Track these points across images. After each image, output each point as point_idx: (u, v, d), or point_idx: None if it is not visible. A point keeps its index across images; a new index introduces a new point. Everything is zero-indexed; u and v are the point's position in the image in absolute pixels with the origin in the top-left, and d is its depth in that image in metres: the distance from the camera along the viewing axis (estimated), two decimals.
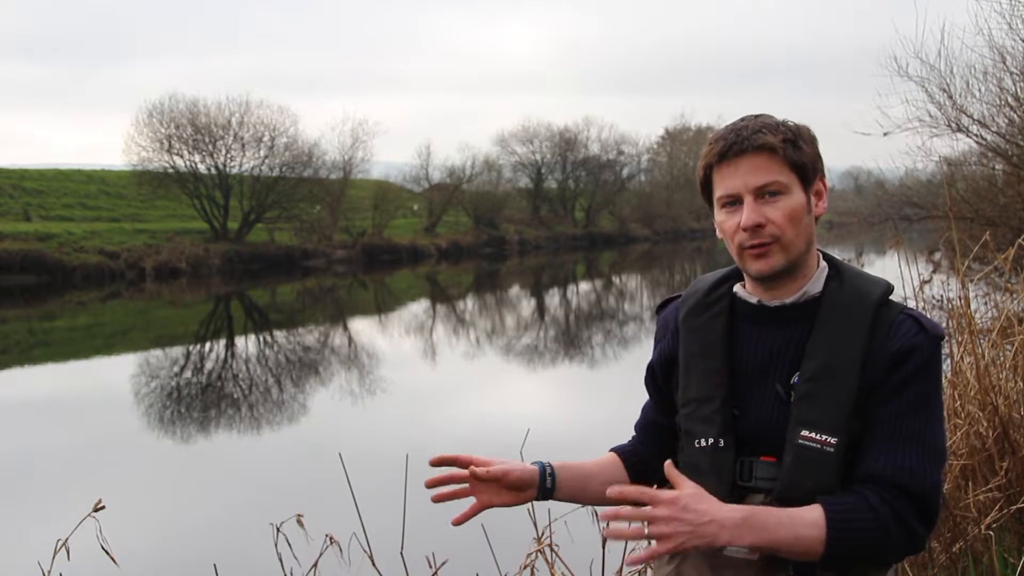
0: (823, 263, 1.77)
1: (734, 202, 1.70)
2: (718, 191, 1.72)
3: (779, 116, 1.76)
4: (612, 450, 2.01)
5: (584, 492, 1.91)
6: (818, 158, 1.73)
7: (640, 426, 2.01)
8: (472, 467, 1.78)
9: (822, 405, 1.66)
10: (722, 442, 1.72)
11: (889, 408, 1.65)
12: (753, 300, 1.77)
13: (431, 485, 1.80)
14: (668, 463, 1.65)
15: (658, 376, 1.91)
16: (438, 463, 1.80)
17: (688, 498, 1.57)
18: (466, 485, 1.81)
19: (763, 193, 1.68)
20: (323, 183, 39.44)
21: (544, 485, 1.83)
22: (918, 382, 1.65)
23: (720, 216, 1.73)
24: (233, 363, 17.09)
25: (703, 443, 1.74)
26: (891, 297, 1.75)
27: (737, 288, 1.82)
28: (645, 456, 1.95)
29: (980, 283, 5.56)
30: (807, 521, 1.59)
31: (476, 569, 3.43)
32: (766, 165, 1.67)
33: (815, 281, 1.74)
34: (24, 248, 28.56)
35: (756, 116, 1.73)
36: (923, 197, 14.49)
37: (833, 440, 1.64)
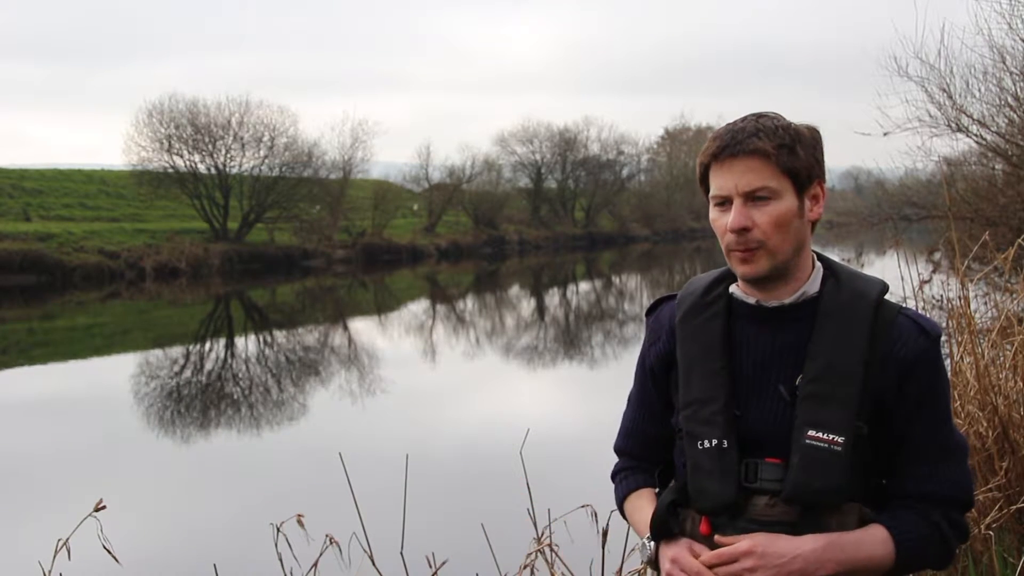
0: (818, 264, 1.77)
1: (724, 202, 1.71)
2: (712, 189, 1.74)
3: (785, 116, 1.74)
4: (639, 490, 1.94)
5: None
6: (817, 163, 1.72)
7: (640, 446, 1.96)
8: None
9: (828, 405, 1.66)
10: (726, 443, 1.71)
11: (921, 424, 1.71)
12: (751, 301, 1.77)
13: None
14: (718, 544, 1.65)
15: (658, 377, 1.89)
16: None
17: (762, 544, 1.60)
18: None
19: (752, 197, 1.68)
20: (323, 183, 39.38)
21: None
22: (936, 389, 1.72)
23: (713, 214, 1.75)
24: (233, 363, 17.08)
25: (706, 444, 1.73)
26: (887, 296, 1.75)
27: (733, 288, 1.81)
28: (662, 475, 1.93)
29: (980, 283, 5.55)
30: (876, 541, 1.65)
31: (476, 569, 3.43)
32: (757, 169, 1.67)
33: (812, 282, 1.75)
34: (24, 248, 28.50)
35: (758, 116, 1.72)
36: (923, 197, 14.48)
37: (840, 439, 1.64)
